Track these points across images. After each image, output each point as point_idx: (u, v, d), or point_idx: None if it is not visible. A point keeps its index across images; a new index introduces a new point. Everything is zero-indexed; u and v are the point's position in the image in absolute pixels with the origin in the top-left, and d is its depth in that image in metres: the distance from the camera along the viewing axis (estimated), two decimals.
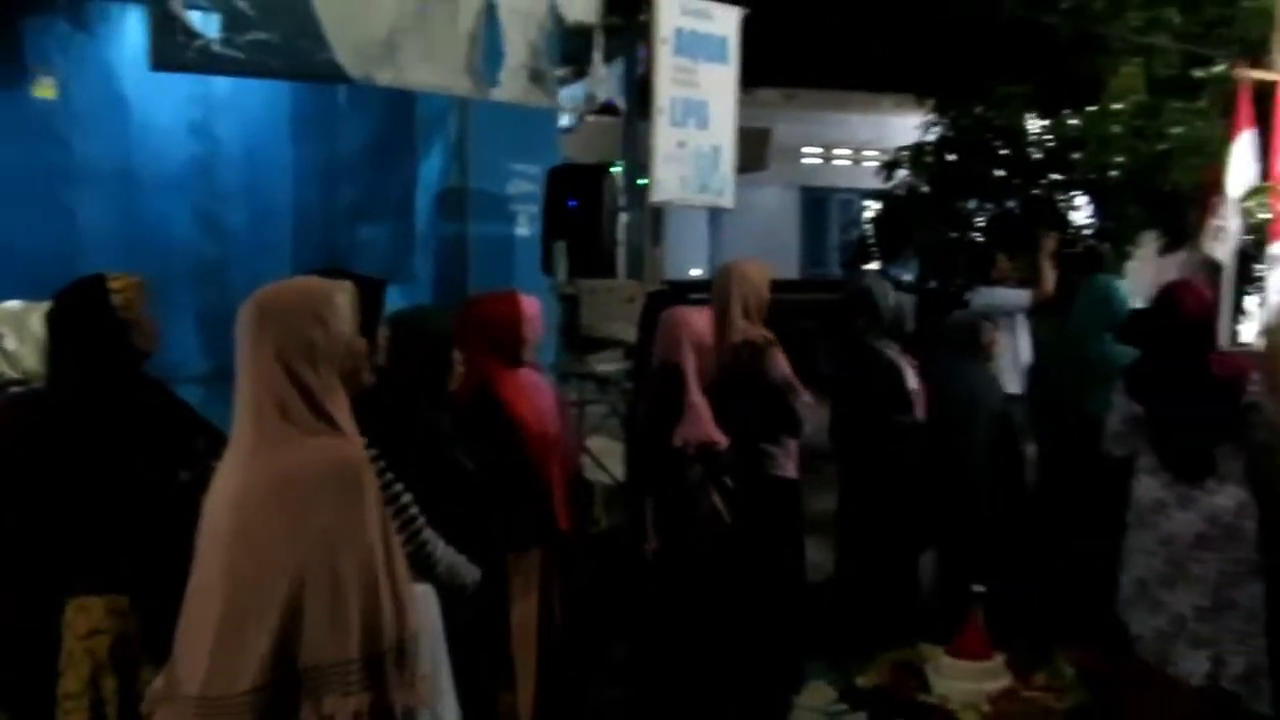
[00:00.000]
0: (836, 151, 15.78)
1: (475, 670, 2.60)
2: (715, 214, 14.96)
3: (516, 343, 3.25)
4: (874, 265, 10.79)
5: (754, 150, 13.90)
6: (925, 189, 8.45)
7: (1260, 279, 6.29)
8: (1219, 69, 7.15)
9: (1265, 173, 5.88)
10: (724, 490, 3.28)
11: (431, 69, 3.88)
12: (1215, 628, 3.15)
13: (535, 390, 3.25)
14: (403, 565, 1.91)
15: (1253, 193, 5.90)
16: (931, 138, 8.37)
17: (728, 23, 5.06)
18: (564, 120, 6.00)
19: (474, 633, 2.58)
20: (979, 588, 2.65)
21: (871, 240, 9.61)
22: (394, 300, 3.73)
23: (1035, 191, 8.00)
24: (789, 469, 3.75)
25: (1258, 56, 6.37)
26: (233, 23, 3.42)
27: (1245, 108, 5.75)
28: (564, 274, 4.81)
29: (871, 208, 10.16)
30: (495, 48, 4.06)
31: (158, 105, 4.60)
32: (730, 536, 3.30)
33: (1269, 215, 5.99)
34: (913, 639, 2.88)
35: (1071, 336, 3.95)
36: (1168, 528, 3.21)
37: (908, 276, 10.54)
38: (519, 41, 4.14)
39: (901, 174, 8.68)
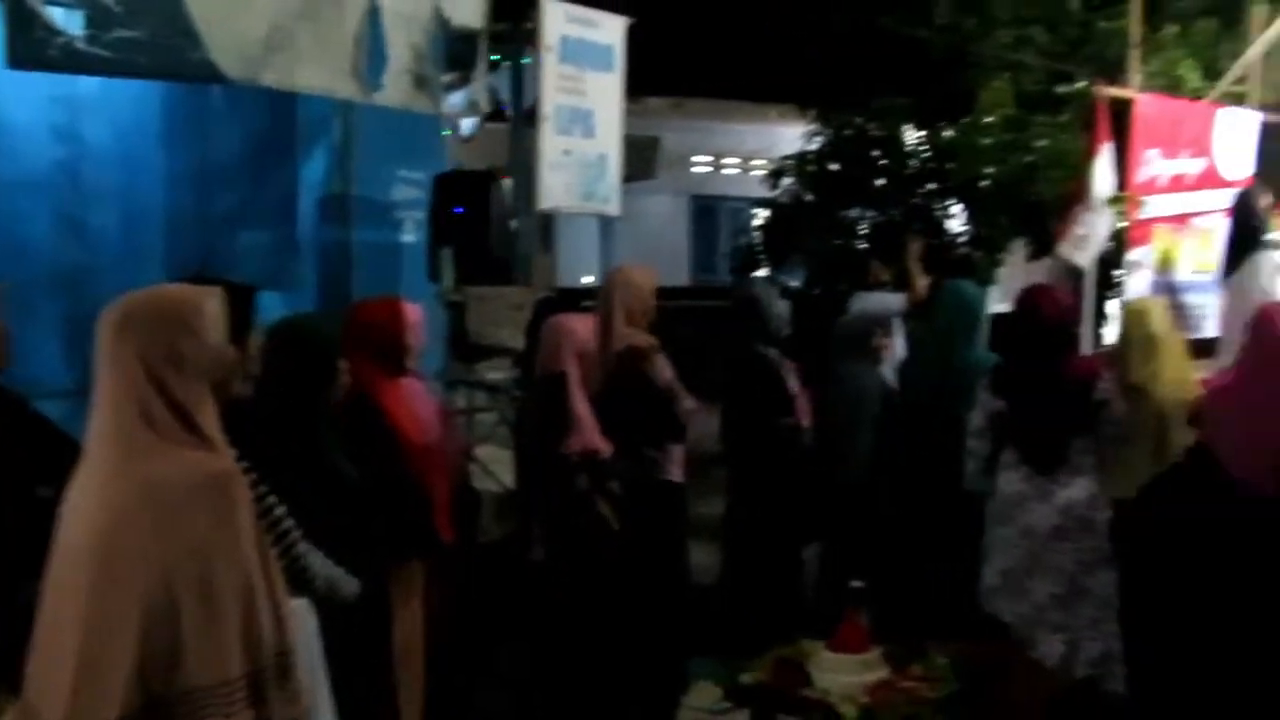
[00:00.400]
0: (725, 160, 16.02)
1: (356, 685, 2.56)
2: (607, 221, 14.98)
3: (399, 351, 3.21)
4: (762, 272, 11.00)
5: (643, 159, 14.02)
6: (810, 197, 8.65)
7: (1119, 284, 6.65)
8: (1080, 86, 7.54)
9: (1122, 184, 6.22)
10: (610, 497, 3.30)
11: (313, 70, 3.80)
12: (1070, 614, 3.33)
13: (417, 399, 3.21)
14: (279, 579, 1.87)
15: (1111, 202, 6.24)
16: (814, 147, 8.58)
17: (614, 32, 5.11)
18: (465, 127, 5.93)
19: (354, 647, 2.54)
20: (858, 584, 2.74)
21: (759, 247, 9.80)
22: (277, 308, 3.64)
23: (916, 200, 8.30)
24: (674, 473, 3.80)
25: (1115, 75, 6.75)
26: (98, 20, 3.28)
27: (1104, 123, 6.07)
28: (450, 281, 4.76)
29: (760, 215, 10.35)
30: (379, 51, 4.00)
31: (15, 105, 4.37)
32: (617, 542, 3.33)
33: (1127, 224, 6.35)
34: (797, 636, 2.96)
35: (933, 340, 4.10)
36: (1027, 520, 3.39)
37: (795, 283, 10.79)
38: (403, 45, 4.09)
39: (787, 182, 8.87)
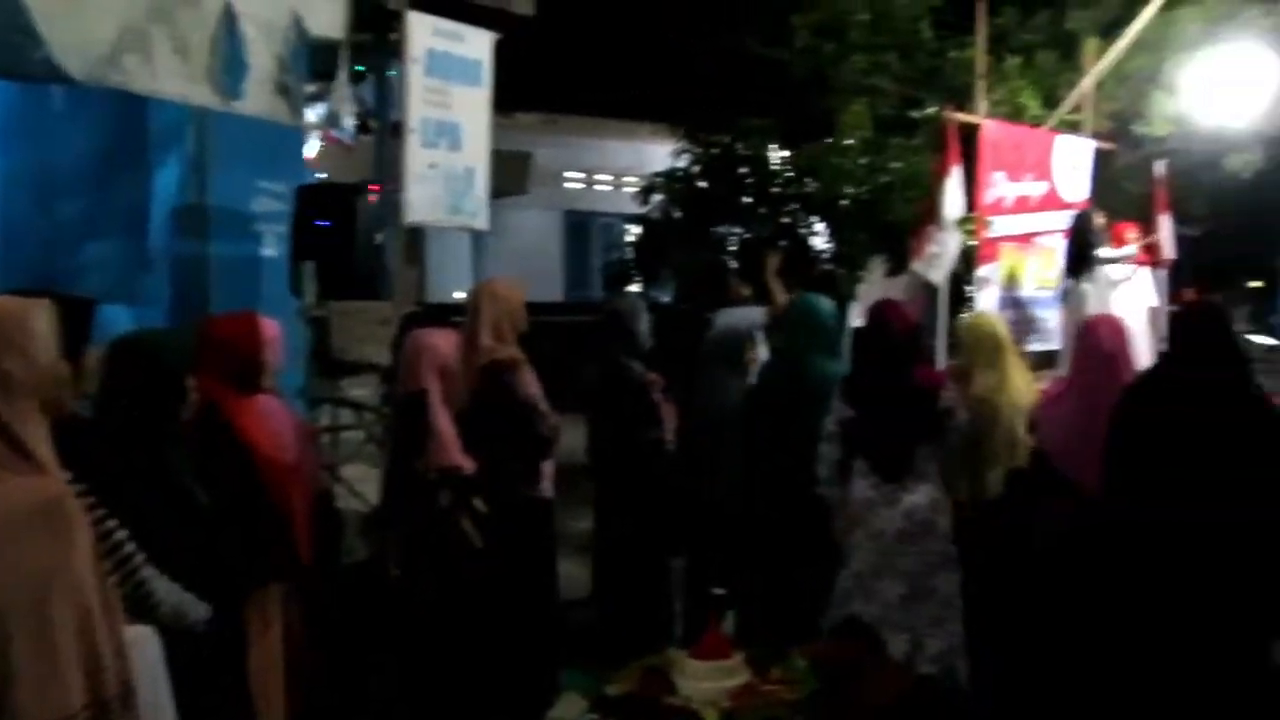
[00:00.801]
0: (598, 177, 16.16)
1: (211, 715, 2.46)
2: (479, 236, 14.88)
3: (255, 368, 3.12)
4: (635, 287, 11.12)
5: (515, 174, 14.00)
6: (679, 214, 8.81)
7: (970, 299, 6.99)
8: (931, 111, 7.92)
9: (971, 205, 6.55)
10: (473, 514, 3.26)
11: (167, 75, 3.65)
12: (913, 614, 3.51)
13: (273, 417, 3.12)
14: (119, 606, 1.80)
15: (961, 222, 6.56)
16: (684, 165, 8.75)
17: (481, 46, 5.09)
18: (347, 134, 5.77)
19: (208, 675, 2.45)
20: (720, 591, 2.80)
21: (632, 263, 9.91)
22: (125, 323, 3.48)
23: (783, 218, 8.55)
24: (543, 489, 3.78)
25: (963, 102, 7.12)
26: None
27: (953, 147, 6.38)
28: (313, 296, 4.64)
29: (632, 231, 10.48)
30: (238, 58, 3.87)
31: None
32: (481, 559, 3.29)
33: (975, 242, 6.68)
34: (665, 646, 3.00)
35: (784, 352, 4.23)
36: (876, 524, 3.54)
37: (666, 298, 10.94)
38: (264, 53, 3.98)
39: (657, 199, 9.01)
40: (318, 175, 6.55)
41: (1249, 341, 10.32)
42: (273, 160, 5.16)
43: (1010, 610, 3.43)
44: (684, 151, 8.69)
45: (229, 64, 3.79)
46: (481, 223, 5.14)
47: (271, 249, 5.21)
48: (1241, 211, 13.89)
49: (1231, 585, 2.79)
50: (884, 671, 2.91)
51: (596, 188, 16.26)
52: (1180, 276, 8.58)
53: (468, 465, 3.26)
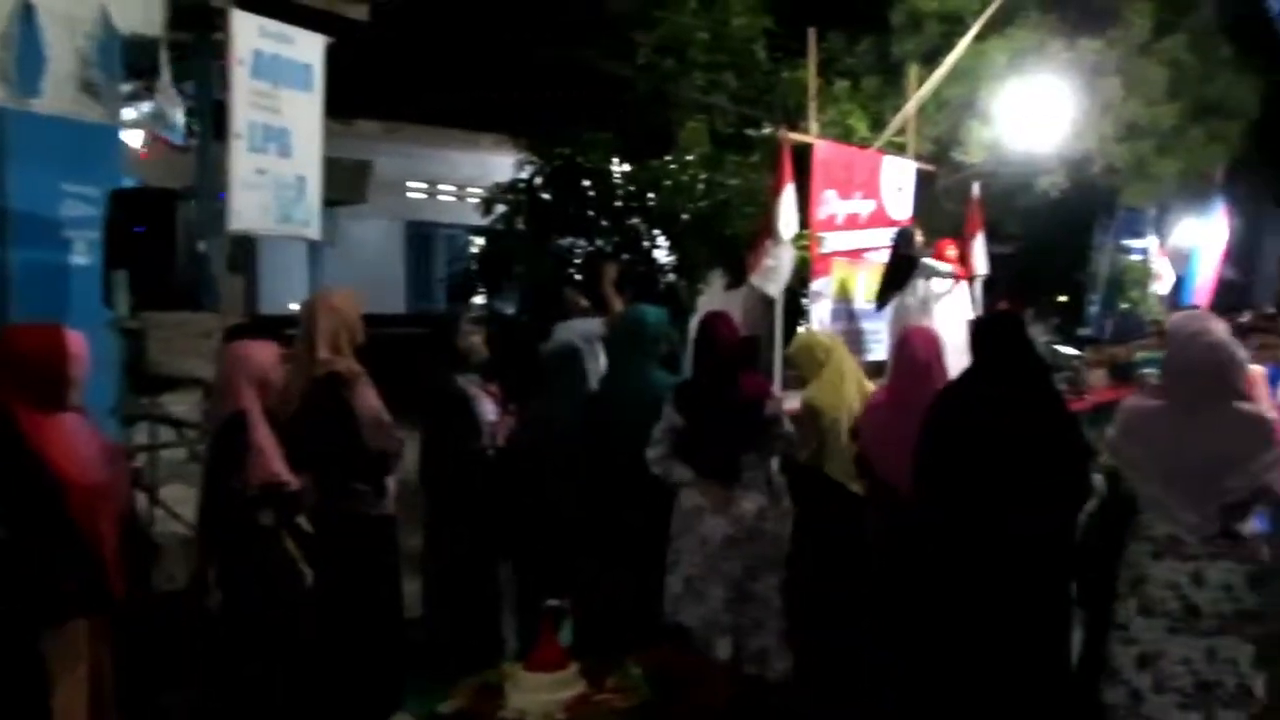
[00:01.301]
0: (441, 187, 15.90)
1: None
2: (316, 246, 14.39)
3: (59, 384, 2.90)
4: (479, 299, 10.99)
5: (354, 182, 13.62)
6: (523, 226, 8.77)
7: (806, 311, 7.25)
8: (767, 130, 8.18)
9: (804, 221, 6.80)
10: (298, 534, 3.12)
11: None
12: (738, 615, 3.61)
13: (79, 437, 2.91)
14: None
15: (796, 238, 6.80)
16: (526, 176, 8.72)
17: (312, 50, 4.94)
18: (174, 138, 5.44)
19: (7, 717, 2.26)
20: (554, 603, 2.80)
21: (475, 275, 9.79)
22: None
23: (627, 230, 8.62)
24: (384, 506, 3.68)
25: (797, 122, 7.39)
26: None
27: (787, 165, 6.60)
28: (126, 307, 4.37)
29: (476, 243, 10.36)
30: (35, 52, 3.63)
31: None
32: (321, 582, 3.15)
33: (808, 257, 6.94)
34: (499, 660, 2.96)
35: (615, 363, 4.28)
36: (704, 530, 3.63)
37: (510, 310, 10.86)
38: (65, 48, 3.74)
39: (501, 210, 8.94)
40: (132, 180, 6.18)
41: (1056, 351, 11.07)
42: (81, 162, 4.83)
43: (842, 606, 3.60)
44: (526, 163, 8.66)
45: (24, 59, 3.55)
46: (314, 232, 4.97)
47: (82, 256, 4.87)
48: (1050, 230, 15.01)
49: (1028, 583, 2.99)
50: (713, 676, 2.97)
51: (440, 198, 15.97)
52: (996, 291, 9.17)
53: (293, 480, 3.12)
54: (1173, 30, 10.71)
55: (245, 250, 8.88)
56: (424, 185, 15.81)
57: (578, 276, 8.43)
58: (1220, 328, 3.03)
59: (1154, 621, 2.91)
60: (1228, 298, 15.84)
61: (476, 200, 9.44)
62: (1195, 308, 11.79)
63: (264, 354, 3.27)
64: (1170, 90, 10.64)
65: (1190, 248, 13.95)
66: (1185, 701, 2.87)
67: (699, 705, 2.67)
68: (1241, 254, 16.76)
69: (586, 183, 8.49)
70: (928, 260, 7.21)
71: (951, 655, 3.04)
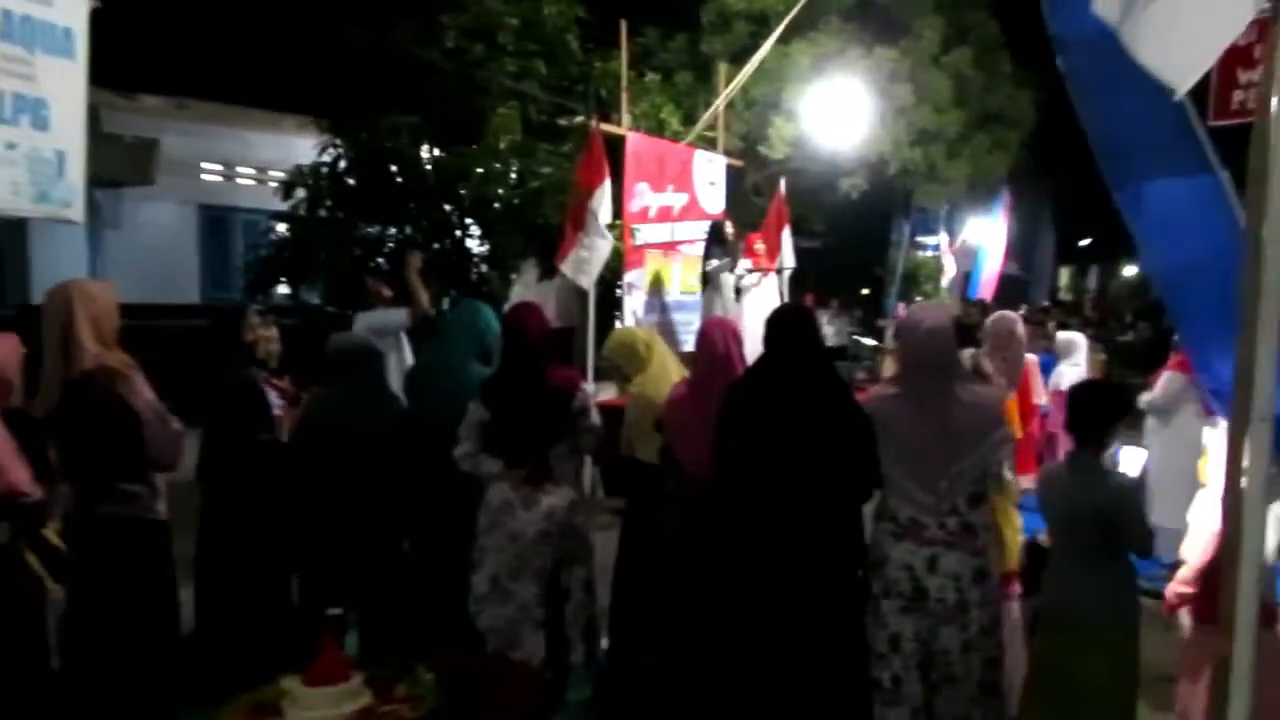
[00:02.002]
0: (239, 169, 15.00)
1: None
2: (97, 230, 13.30)
3: None
4: (283, 288, 10.42)
5: (138, 162, 12.67)
6: (325, 212, 8.38)
7: (620, 303, 7.23)
8: (579, 120, 8.11)
9: (617, 213, 6.77)
10: (43, 548, 2.79)
11: None
12: (550, 610, 3.52)
13: None
14: None
15: (609, 229, 6.76)
16: (329, 160, 8.33)
17: (73, 13, 4.43)
18: None
19: None
20: (336, 611, 2.62)
21: (277, 262, 9.28)
22: None
23: (439, 218, 8.36)
24: (157, 509, 3.37)
25: (610, 113, 7.35)
26: None
27: (599, 155, 6.55)
28: None
29: (278, 229, 9.79)
30: None
31: None
32: (53, 598, 2.83)
33: (621, 248, 6.92)
34: (279, 674, 2.75)
35: (443, 356, 4.12)
36: (514, 526, 3.53)
37: (315, 299, 10.36)
38: None
39: (301, 195, 8.51)
40: None
41: (859, 342, 11.61)
42: None
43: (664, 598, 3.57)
44: (329, 146, 8.27)
45: None
46: (76, 214, 4.48)
47: None
48: (853, 227, 15.76)
49: (819, 568, 3.05)
50: (516, 674, 2.87)
51: (238, 181, 15.06)
52: (803, 284, 9.48)
53: (31, 489, 2.78)
54: (960, 44, 11.44)
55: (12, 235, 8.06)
56: (220, 167, 14.86)
57: (384, 265, 8.12)
58: (942, 316, 3.20)
59: (892, 603, 3.05)
60: (1010, 292, 17.11)
61: (278, 184, 8.95)
62: (981, 301, 12.65)
63: (3, 347, 2.91)
64: (956, 99, 11.37)
65: (977, 245, 14.93)
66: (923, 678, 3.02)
67: (502, 705, 2.56)
68: (1021, 252, 18.17)
69: (394, 168, 8.19)
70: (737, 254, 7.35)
71: (747, 643, 3.06)
